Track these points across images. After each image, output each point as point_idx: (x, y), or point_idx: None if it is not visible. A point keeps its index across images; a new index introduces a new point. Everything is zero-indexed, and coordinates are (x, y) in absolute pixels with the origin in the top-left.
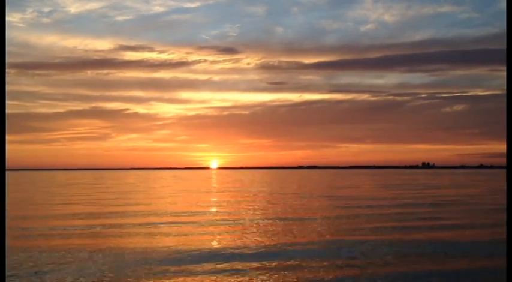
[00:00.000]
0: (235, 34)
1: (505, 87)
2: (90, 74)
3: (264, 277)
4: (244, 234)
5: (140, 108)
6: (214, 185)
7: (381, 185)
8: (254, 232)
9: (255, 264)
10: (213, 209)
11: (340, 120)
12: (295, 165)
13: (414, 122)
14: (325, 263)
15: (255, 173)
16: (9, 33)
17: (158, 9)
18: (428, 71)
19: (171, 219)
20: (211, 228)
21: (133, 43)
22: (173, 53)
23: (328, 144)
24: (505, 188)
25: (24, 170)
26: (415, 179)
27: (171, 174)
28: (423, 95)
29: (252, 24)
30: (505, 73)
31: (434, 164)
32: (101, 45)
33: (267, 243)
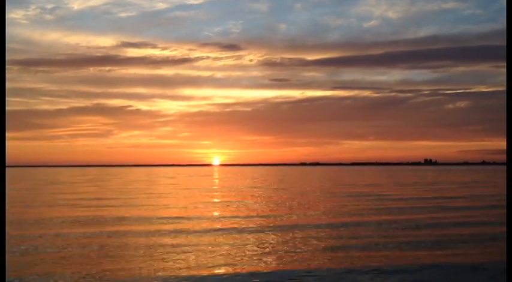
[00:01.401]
0: (238, 31)
1: None
2: (92, 70)
3: None
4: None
5: (143, 105)
6: (239, 183)
7: (406, 183)
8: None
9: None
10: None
11: (343, 117)
12: (298, 162)
13: (417, 119)
14: None
15: (261, 170)
16: (12, 30)
17: (161, 5)
18: (431, 67)
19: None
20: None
21: (135, 40)
22: (176, 50)
23: (331, 140)
24: None
25: (27, 166)
26: (433, 176)
27: (178, 171)
28: (426, 92)
29: (255, 21)
30: None
31: (436, 161)
32: (104, 42)
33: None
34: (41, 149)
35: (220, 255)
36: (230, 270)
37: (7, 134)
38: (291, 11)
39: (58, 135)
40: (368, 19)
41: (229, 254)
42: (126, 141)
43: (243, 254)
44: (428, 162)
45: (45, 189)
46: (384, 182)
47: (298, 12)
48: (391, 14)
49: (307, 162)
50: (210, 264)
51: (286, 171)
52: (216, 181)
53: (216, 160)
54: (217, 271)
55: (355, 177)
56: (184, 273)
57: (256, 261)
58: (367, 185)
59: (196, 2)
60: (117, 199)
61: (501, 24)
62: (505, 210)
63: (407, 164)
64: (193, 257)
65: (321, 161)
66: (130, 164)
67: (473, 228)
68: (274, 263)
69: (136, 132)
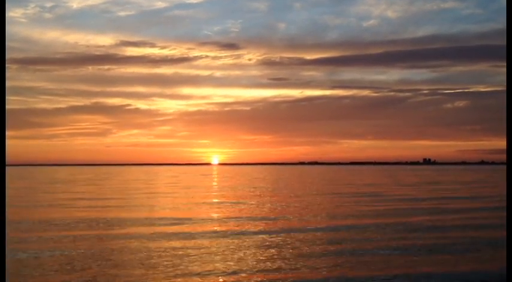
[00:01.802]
0: (237, 30)
1: None
2: (91, 69)
3: None
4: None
5: (141, 104)
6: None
7: (410, 183)
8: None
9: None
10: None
11: (342, 116)
12: (296, 161)
13: (415, 118)
14: None
15: (260, 170)
16: (11, 29)
17: (160, 4)
18: (430, 67)
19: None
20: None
21: (134, 39)
22: (175, 49)
23: (329, 140)
24: None
25: (25, 165)
26: (436, 176)
27: (176, 170)
28: (425, 91)
29: (254, 20)
30: None
31: (435, 160)
32: (103, 40)
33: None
34: (40, 147)
35: (221, 260)
36: (230, 278)
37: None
38: (290, 10)
39: (57, 134)
40: (367, 18)
41: (230, 259)
42: (124, 140)
43: (244, 260)
44: (427, 161)
45: (44, 189)
46: (386, 181)
47: (297, 11)
48: (390, 14)
49: (306, 162)
50: (209, 270)
51: (285, 171)
52: (216, 181)
53: (215, 159)
54: (216, 278)
55: (356, 177)
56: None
57: (256, 267)
58: (369, 185)
59: (195, 1)
60: (117, 199)
61: (500, 23)
62: None
63: (406, 163)
64: (194, 262)
65: (319, 160)
66: (128, 163)
67: (482, 232)
68: (275, 270)
69: (135, 131)
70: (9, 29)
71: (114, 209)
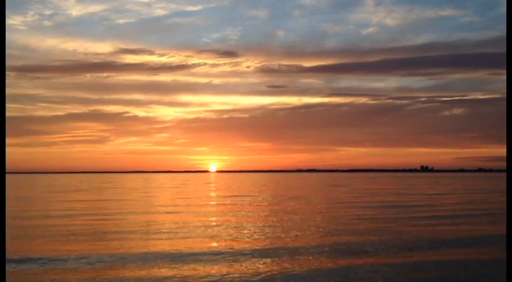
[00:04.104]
0: (236, 37)
1: (505, 91)
2: (90, 77)
3: None
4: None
5: (140, 111)
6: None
7: (445, 191)
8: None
9: None
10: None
11: (340, 123)
12: (294, 168)
13: (413, 126)
14: None
15: (260, 177)
16: (10, 36)
17: (159, 12)
18: (428, 74)
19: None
20: None
21: (133, 46)
22: (173, 56)
23: (327, 147)
24: None
25: (23, 173)
26: (461, 184)
27: (175, 178)
28: (423, 99)
29: (253, 28)
30: (505, 77)
31: (432, 168)
32: (101, 48)
33: None
34: (38, 155)
35: None
36: None
37: None
38: (289, 18)
39: (55, 141)
40: (366, 26)
41: None
42: (123, 147)
43: None
44: (424, 169)
45: (41, 200)
46: (405, 190)
47: (296, 19)
48: (389, 21)
49: (304, 169)
50: None
51: (285, 178)
52: (219, 191)
53: (213, 167)
54: None
55: (369, 185)
56: None
57: None
58: (394, 194)
59: (194, 9)
60: (118, 220)
61: (498, 31)
62: None
63: (404, 170)
64: None
65: (317, 168)
66: (127, 170)
67: None
68: None
69: (133, 139)
70: (8, 36)
71: (116, 234)
